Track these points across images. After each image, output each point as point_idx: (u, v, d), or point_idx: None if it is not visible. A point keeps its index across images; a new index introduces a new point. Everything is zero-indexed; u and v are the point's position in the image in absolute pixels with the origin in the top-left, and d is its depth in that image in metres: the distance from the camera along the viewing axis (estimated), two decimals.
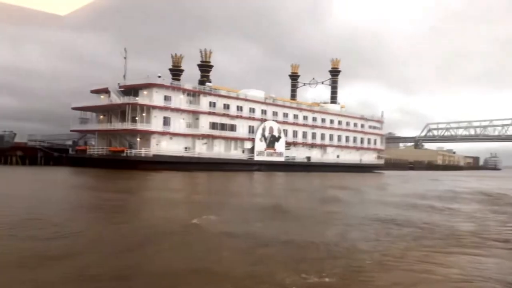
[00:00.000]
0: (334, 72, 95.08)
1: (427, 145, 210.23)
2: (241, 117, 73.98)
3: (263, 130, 76.71)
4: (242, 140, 74.33)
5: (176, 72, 73.72)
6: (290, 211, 19.50)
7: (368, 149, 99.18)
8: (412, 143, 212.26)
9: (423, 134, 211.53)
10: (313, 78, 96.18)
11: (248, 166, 72.09)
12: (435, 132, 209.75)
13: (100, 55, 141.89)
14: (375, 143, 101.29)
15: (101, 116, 68.79)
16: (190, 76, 77.98)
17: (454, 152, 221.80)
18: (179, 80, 72.02)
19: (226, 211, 19.16)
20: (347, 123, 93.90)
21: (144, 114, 62.85)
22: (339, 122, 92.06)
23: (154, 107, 63.28)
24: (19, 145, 69.17)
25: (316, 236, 13.19)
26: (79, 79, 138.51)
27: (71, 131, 69.67)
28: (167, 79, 67.88)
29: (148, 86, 63.55)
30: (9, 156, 64.56)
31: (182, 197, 26.63)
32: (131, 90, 64.38)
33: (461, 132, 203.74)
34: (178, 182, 42.44)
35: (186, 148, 67.24)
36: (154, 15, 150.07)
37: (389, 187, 42.79)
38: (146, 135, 63.16)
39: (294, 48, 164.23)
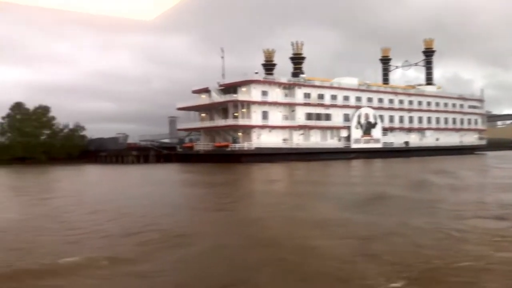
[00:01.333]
0: (428, 52, 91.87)
1: None
2: (335, 105, 74.46)
3: (359, 117, 76.55)
4: (338, 128, 74.81)
5: (269, 66, 75.83)
6: (396, 199, 19.17)
7: (469, 130, 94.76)
8: None
9: None
10: (406, 60, 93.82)
11: (345, 154, 72.25)
12: None
13: (185, 55, 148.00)
14: (475, 123, 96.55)
15: (203, 114, 72.86)
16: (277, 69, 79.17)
17: None
18: (272, 74, 73.99)
19: (332, 200, 19.56)
20: (445, 104, 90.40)
21: (244, 110, 65.74)
22: (437, 104, 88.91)
23: (253, 103, 65.92)
24: (132, 145, 75.55)
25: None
26: (167, 80, 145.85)
27: (177, 130, 74.66)
28: (261, 74, 70.29)
29: (247, 83, 66.25)
30: (125, 156, 70.79)
31: (290, 187, 28.15)
32: (230, 88, 67.53)
33: None
34: (281, 172, 44.12)
35: (284, 139, 69.22)
36: (231, 11, 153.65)
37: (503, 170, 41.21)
38: (247, 130, 66.03)
39: (378, 30, 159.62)
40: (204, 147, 67.89)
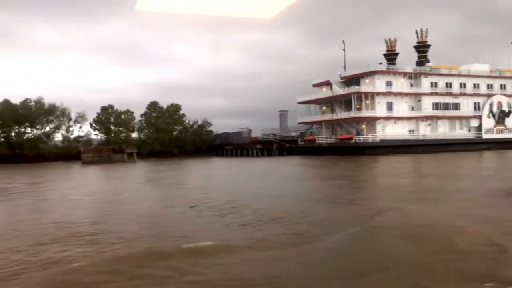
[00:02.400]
0: None
1: None
2: (464, 94, 70.67)
3: (491, 105, 71.78)
4: (468, 118, 70.99)
5: (391, 56, 74.05)
6: None
7: None
8: None
9: None
10: None
11: (475, 145, 68.16)
12: None
13: (293, 49, 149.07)
14: None
15: (324, 107, 73.54)
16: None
17: None
18: (394, 64, 72.18)
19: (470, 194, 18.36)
20: None
21: (367, 102, 65.15)
22: None
23: (378, 94, 65.13)
24: (254, 139, 78.76)
25: None
26: (276, 75, 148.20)
27: (298, 123, 76.35)
28: (383, 65, 69.01)
29: (370, 74, 65.64)
30: (250, 149, 74.05)
31: (421, 180, 27.00)
32: (352, 80, 67.39)
33: None
34: (409, 165, 42.87)
35: (410, 131, 67.41)
36: (340, 2, 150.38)
37: None
38: (371, 121, 65.42)
39: (505, 10, 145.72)
40: (327, 140, 68.54)
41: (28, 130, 75.46)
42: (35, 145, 73.06)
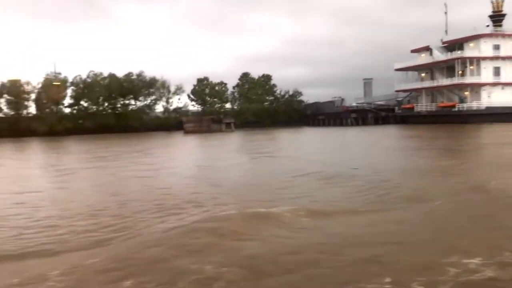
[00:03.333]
0: None
1: None
2: None
3: None
4: None
5: (497, 18, 68.96)
6: None
7: None
8: None
9: None
10: None
11: None
12: None
13: (377, 14, 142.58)
14: None
15: (423, 74, 70.83)
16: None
17: None
18: (500, 26, 67.24)
19: None
20: None
21: (471, 67, 61.80)
22: None
23: (484, 58, 61.54)
24: (348, 108, 77.88)
25: None
26: (359, 42, 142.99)
27: (396, 91, 74.38)
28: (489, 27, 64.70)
29: (475, 37, 62.04)
30: (344, 118, 73.47)
31: None
32: (455, 45, 64.05)
33: None
34: None
35: None
36: None
37: None
38: (476, 88, 62.11)
39: None
40: (427, 108, 66.22)
41: (132, 102, 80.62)
42: (138, 116, 78.08)
